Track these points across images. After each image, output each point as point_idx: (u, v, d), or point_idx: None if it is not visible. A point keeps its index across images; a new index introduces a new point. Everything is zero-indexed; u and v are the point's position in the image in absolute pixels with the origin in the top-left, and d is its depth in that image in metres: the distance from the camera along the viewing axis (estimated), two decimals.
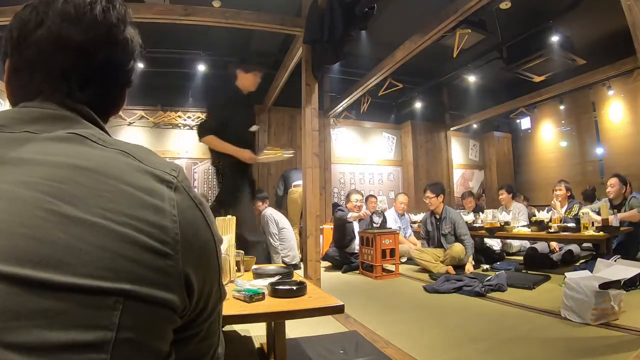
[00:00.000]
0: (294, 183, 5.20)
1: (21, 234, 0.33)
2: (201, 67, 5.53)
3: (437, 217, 4.26)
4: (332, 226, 4.73)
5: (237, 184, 2.53)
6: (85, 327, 0.32)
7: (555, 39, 4.49)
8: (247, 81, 2.64)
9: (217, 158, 2.56)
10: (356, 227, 4.58)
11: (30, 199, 0.35)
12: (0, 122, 0.42)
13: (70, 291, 0.33)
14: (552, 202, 4.46)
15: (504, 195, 4.99)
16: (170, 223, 0.39)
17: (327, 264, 4.48)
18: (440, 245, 4.15)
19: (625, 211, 3.79)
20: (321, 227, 4.39)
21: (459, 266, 3.85)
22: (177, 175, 0.43)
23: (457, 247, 3.89)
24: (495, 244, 4.73)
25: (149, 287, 0.36)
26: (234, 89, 2.65)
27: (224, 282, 0.72)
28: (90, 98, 0.49)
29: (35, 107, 0.45)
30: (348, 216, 4.37)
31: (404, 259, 4.57)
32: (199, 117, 6.00)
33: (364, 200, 5.35)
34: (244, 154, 2.51)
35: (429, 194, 4.28)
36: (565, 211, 4.15)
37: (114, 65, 0.51)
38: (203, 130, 2.53)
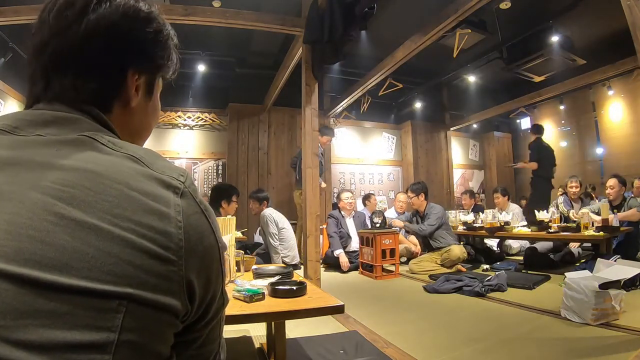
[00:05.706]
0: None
1: (29, 235, 0.34)
2: (201, 67, 5.53)
3: (421, 215, 4.27)
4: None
5: None
6: (89, 328, 0.33)
7: (555, 39, 4.50)
8: None
9: None
10: (352, 227, 4.57)
11: (40, 202, 0.36)
12: (14, 124, 0.43)
13: (76, 293, 0.33)
14: (559, 202, 4.39)
15: (499, 199, 5.00)
16: (175, 229, 0.40)
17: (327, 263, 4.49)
18: (427, 244, 4.17)
19: (624, 211, 3.79)
20: (321, 227, 4.39)
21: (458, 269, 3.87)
22: (184, 180, 0.44)
23: (456, 249, 3.89)
24: (494, 244, 4.73)
25: (151, 292, 0.37)
26: None
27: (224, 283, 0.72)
28: (91, 92, 0.49)
29: (46, 109, 0.47)
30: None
31: (404, 259, 4.57)
32: (198, 117, 6.01)
33: (365, 200, 5.36)
34: None
35: (410, 194, 4.36)
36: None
37: (107, 54, 0.50)
38: None
